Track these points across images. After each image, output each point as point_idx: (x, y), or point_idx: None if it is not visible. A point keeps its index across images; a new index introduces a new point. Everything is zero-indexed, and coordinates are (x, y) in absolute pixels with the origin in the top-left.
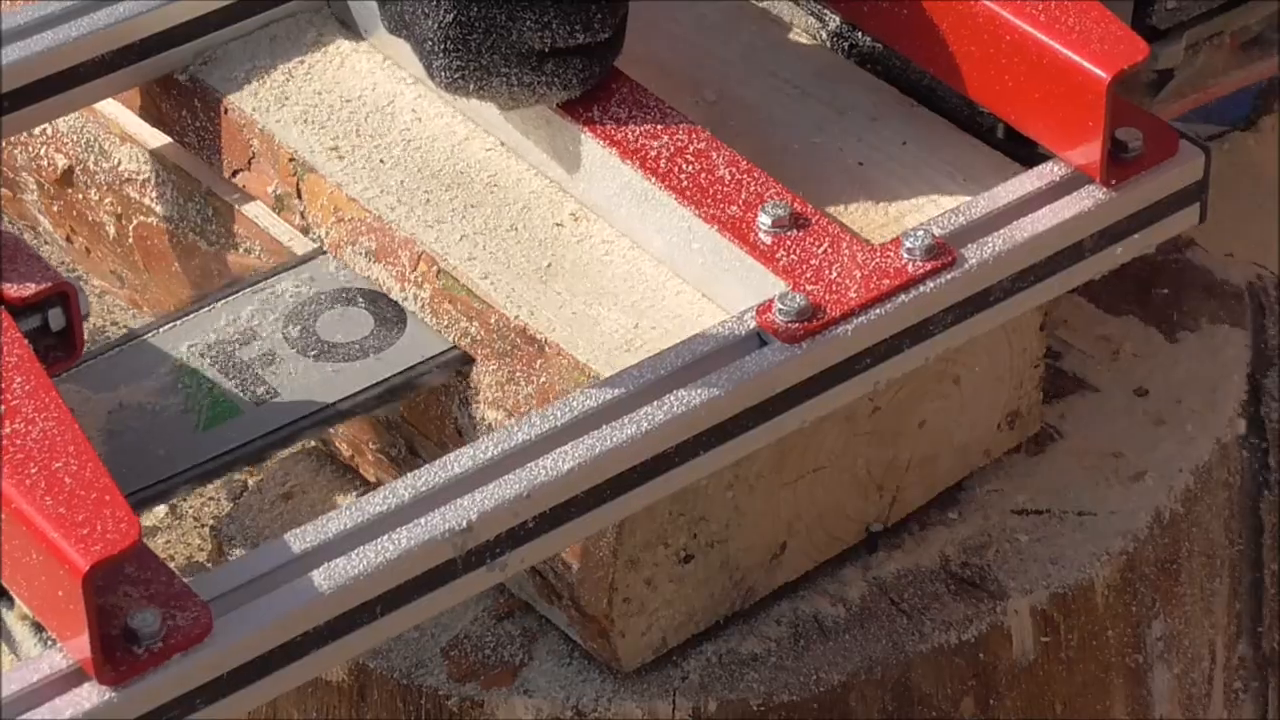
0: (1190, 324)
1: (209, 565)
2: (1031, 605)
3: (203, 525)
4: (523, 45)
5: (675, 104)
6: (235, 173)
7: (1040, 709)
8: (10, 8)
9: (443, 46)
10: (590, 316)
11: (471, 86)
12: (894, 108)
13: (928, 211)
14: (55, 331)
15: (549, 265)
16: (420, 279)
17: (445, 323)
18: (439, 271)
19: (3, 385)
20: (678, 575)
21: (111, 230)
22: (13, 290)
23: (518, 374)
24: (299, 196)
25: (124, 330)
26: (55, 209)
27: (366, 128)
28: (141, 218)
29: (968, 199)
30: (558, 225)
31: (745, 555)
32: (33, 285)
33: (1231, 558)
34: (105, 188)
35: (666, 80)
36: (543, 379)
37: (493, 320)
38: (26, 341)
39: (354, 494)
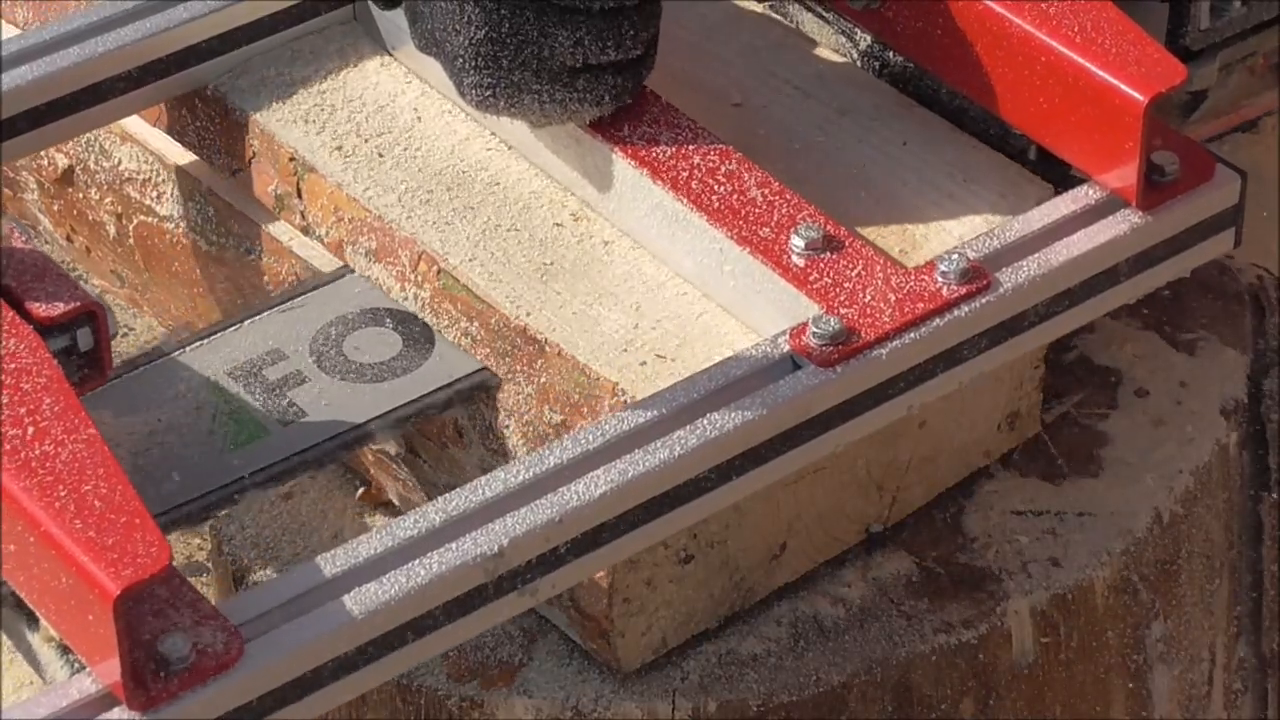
0: (1190, 325)
1: (209, 565)
2: (1031, 606)
3: None
4: (555, 62)
5: (675, 104)
6: (235, 172)
7: (1040, 710)
8: (32, 24)
9: (474, 64)
10: (590, 316)
11: (502, 104)
12: (894, 109)
13: (929, 212)
14: (84, 351)
15: (549, 265)
16: (420, 279)
17: (445, 322)
18: (439, 271)
19: (32, 406)
20: (677, 575)
21: (111, 230)
22: (41, 310)
23: (518, 374)
24: (299, 196)
25: (124, 330)
26: (55, 208)
27: (367, 127)
28: (141, 217)
29: (968, 200)
30: (558, 225)
31: (745, 555)
32: (61, 305)
33: (1231, 559)
34: (105, 187)
35: (667, 82)
36: (543, 379)
37: (493, 320)
38: (55, 361)
39: (354, 494)
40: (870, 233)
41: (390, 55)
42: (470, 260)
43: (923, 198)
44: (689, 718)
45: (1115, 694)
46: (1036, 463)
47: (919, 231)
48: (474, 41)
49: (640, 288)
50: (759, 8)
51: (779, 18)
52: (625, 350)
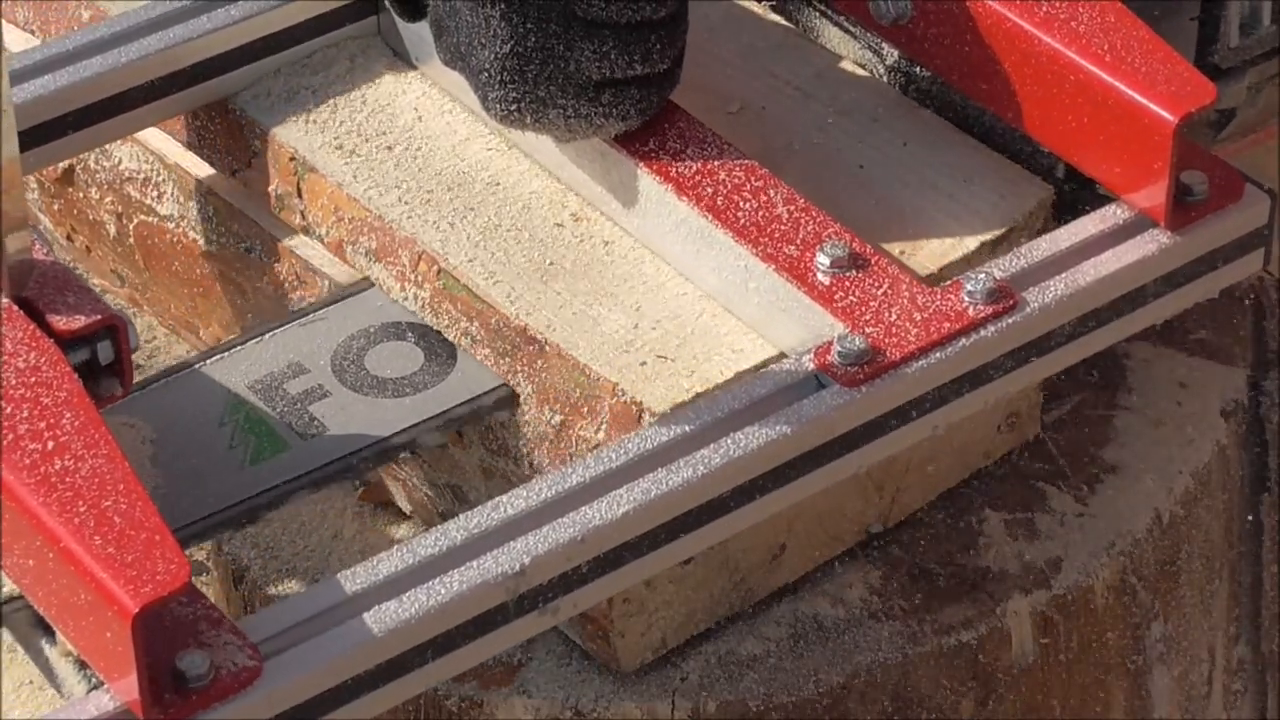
0: (1190, 326)
1: (209, 565)
2: (1031, 606)
3: None
4: (581, 76)
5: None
6: (235, 172)
7: (1039, 710)
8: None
9: (499, 78)
10: (590, 316)
11: (528, 119)
12: (895, 109)
13: (929, 213)
14: (104, 364)
15: (549, 265)
16: (420, 279)
17: (445, 323)
18: (439, 271)
19: (52, 420)
20: (677, 576)
21: (112, 229)
22: (61, 323)
23: (518, 374)
24: (299, 196)
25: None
26: (56, 208)
27: (368, 127)
28: (141, 217)
29: (969, 200)
30: (558, 225)
31: (745, 555)
32: (82, 318)
33: (1231, 559)
34: (106, 187)
35: None
36: (543, 379)
37: (493, 320)
38: (75, 375)
39: (354, 494)
40: (870, 233)
41: (415, 68)
42: (470, 260)
43: (923, 198)
44: (689, 718)
45: (1115, 694)
46: (1036, 463)
47: (919, 232)
48: (500, 56)
49: (640, 288)
50: (759, 8)
51: (779, 18)
52: (625, 350)
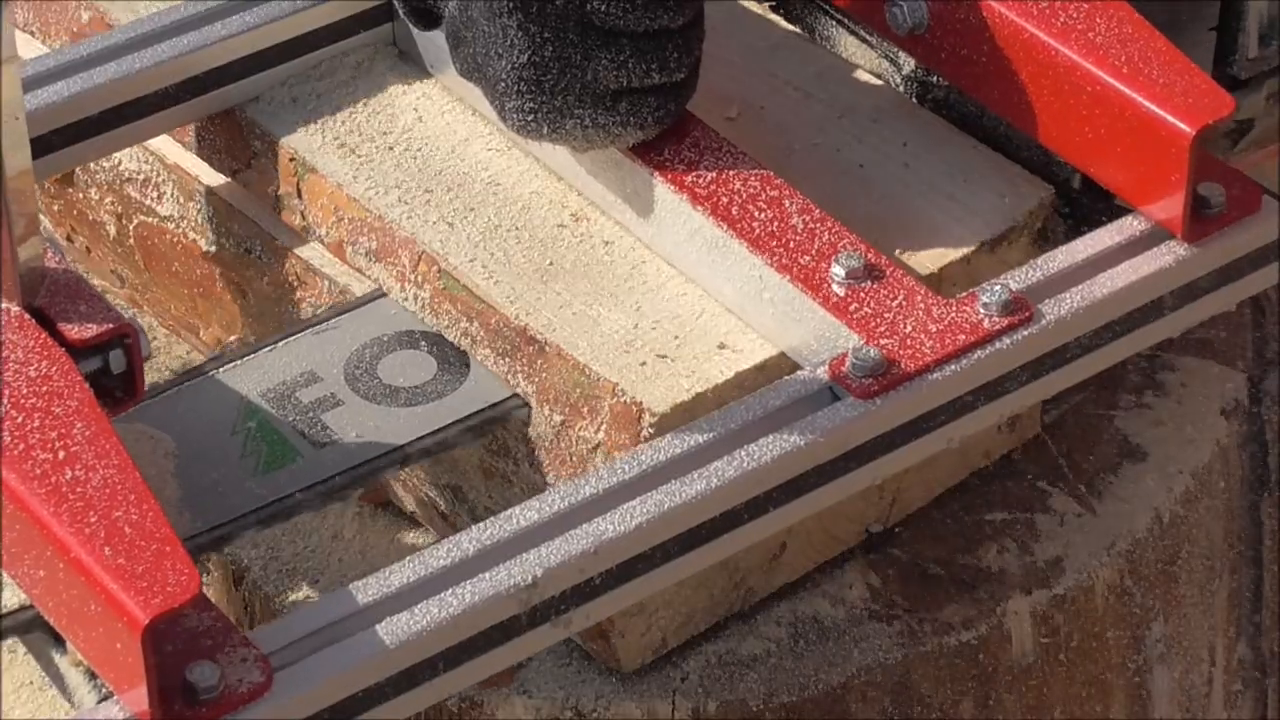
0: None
1: (209, 566)
2: (1031, 606)
3: None
4: (598, 85)
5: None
6: (235, 172)
7: (1040, 710)
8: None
9: (516, 88)
10: (590, 316)
11: (545, 129)
12: (895, 109)
13: (929, 213)
14: (116, 373)
15: (549, 265)
16: (421, 279)
17: (445, 323)
18: (439, 271)
19: (63, 430)
20: None
21: (112, 230)
22: (73, 331)
23: (518, 374)
24: (299, 196)
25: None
26: (56, 208)
27: (368, 127)
28: (141, 217)
29: (968, 200)
30: (558, 226)
31: (745, 555)
32: (94, 326)
33: (1231, 559)
34: (106, 187)
35: None
36: (543, 379)
37: (493, 320)
38: (87, 384)
39: (354, 495)
40: (870, 233)
41: (426, 74)
42: (471, 261)
43: (923, 198)
44: (689, 718)
45: (1115, 694)
46: (1036, 463)
47: (919, 232)
48: (516, 66)
49: (640, 288)
50: (759, 8)
51: (779, 18)
52: (625, 350)
